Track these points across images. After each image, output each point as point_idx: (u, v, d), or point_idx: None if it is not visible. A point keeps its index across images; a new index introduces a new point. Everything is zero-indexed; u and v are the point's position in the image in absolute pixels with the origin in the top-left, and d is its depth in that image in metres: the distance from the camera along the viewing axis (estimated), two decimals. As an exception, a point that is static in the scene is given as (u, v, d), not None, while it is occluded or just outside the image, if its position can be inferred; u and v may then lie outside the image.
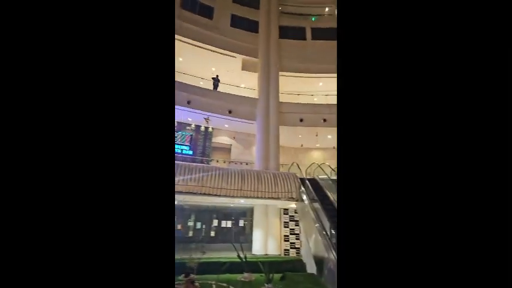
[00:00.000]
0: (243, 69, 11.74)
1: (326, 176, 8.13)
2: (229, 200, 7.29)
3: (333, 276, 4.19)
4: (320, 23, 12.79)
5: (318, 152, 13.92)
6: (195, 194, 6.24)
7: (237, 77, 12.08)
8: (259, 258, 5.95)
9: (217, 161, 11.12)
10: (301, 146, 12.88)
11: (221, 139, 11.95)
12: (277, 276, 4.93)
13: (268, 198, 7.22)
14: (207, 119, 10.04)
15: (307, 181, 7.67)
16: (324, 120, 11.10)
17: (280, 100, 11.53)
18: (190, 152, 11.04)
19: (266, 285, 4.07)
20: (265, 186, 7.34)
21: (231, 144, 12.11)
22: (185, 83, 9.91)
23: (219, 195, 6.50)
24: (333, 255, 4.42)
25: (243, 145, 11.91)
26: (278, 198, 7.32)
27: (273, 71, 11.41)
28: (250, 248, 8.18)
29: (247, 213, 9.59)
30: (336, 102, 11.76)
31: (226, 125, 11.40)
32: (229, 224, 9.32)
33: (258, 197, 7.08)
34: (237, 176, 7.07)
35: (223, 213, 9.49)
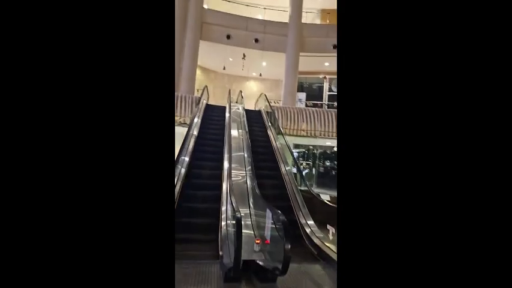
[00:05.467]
0: None
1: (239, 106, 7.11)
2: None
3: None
4: None
5: (256, 82, 12.55)
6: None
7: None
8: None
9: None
10: (223, 68, 11.02)
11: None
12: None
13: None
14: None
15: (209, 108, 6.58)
16: (256, 40, 9.28)
17: (206, 6, 9.01)
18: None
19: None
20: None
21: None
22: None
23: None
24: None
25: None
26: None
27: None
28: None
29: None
30: (273, 19, 9.82)
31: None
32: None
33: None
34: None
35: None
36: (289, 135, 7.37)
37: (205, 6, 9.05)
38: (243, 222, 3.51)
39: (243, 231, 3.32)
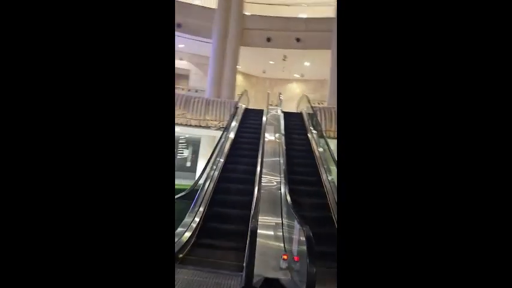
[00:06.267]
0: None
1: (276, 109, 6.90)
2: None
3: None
4: None
5: (299, 84, 12.06)
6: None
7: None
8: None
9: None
10: (264, 72, 10.89)
11: (179, 63, 10.42)
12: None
13: (196, 126, 6.39)
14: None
15: (249, 112, 6.56)
16: (298, 39, 8.89)
17: (246, 12, 9.18)
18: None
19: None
20: (194, 113, 6.40)
21: (189, 70, 10.63)
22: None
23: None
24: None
25: (204, 71, 10.37)
26: (208, 127, 6.47)
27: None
28: (193, 177, 8.04)
29: (195, 144, 9.14)
30: (315, 16, 9.23)
31: (181, 45, 9.68)
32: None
33: (184, 124, 6.24)
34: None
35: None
36: (335, 138, 6.68)
37: (247, 13, 9.24)
38: (272, 233, 3.23)
39: (272, 243, 3.04)
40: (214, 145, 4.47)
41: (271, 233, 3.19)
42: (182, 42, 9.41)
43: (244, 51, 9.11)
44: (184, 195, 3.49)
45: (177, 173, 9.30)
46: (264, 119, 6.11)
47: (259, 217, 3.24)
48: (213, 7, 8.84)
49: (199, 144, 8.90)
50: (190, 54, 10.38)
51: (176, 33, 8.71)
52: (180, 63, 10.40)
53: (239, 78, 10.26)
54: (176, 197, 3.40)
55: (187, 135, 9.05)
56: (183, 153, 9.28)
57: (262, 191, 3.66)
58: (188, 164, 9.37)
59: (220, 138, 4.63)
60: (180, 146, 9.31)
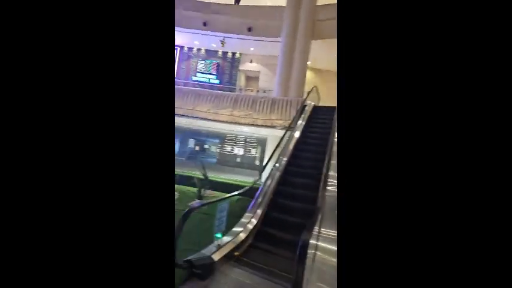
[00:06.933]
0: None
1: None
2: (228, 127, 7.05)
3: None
4: None
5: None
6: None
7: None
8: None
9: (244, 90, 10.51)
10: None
11: (249, 66, 10.84)
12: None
13: (260, 126, 6.42)
14: (222, 42, 9.10)
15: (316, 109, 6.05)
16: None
17: (318, 3, 8.55)
18: (217, 81, 10.87)
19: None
20: (259, 113, 6.46)
21: (259, 71, 10.85)
22: (200, 1, 8.90)
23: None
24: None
25: (273, 71, 10.36)
26: (273, 127, 6.37)
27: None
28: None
29: (260, 143, 9.26)
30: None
31: (252, 48, 10.04)
32: (241, 151, 9.43)
33: (251, 124, 6.44)
34: (229, 100, 6.51)
35: (235, 141, 9.59)
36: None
37: (319, 3, 8.62)
38: (336, 248, 2.74)
39: (334, 260, 2.57)
40: (276, 144, 4.29)
41: (335, 248, 2.71)
42: (252, 45, 9.77)
43: (315, 45, 8.53)
44: (243, 192, 3.50)
45: (245, 171, 9.58)
46: (335, 116, 5.44)
47: (321, 228, 2.82)
48: (283, 5, 8.71)
49: (265, 143, 9.01)
50: (260, 56, 10.67)
51: (246, 37, 9.13)
52: (250, 66, 10.87)
53: (309, 75, 9.70)
54: (235, 193, 3.45)
55: (255, 135, 9.32)
56: (251, 151, 9.63)
57: (328, 195, 3.20)
58: (257, 162, 9.67)
59: (283, 137, 4.40)
60: (249, 145, 9.71)
